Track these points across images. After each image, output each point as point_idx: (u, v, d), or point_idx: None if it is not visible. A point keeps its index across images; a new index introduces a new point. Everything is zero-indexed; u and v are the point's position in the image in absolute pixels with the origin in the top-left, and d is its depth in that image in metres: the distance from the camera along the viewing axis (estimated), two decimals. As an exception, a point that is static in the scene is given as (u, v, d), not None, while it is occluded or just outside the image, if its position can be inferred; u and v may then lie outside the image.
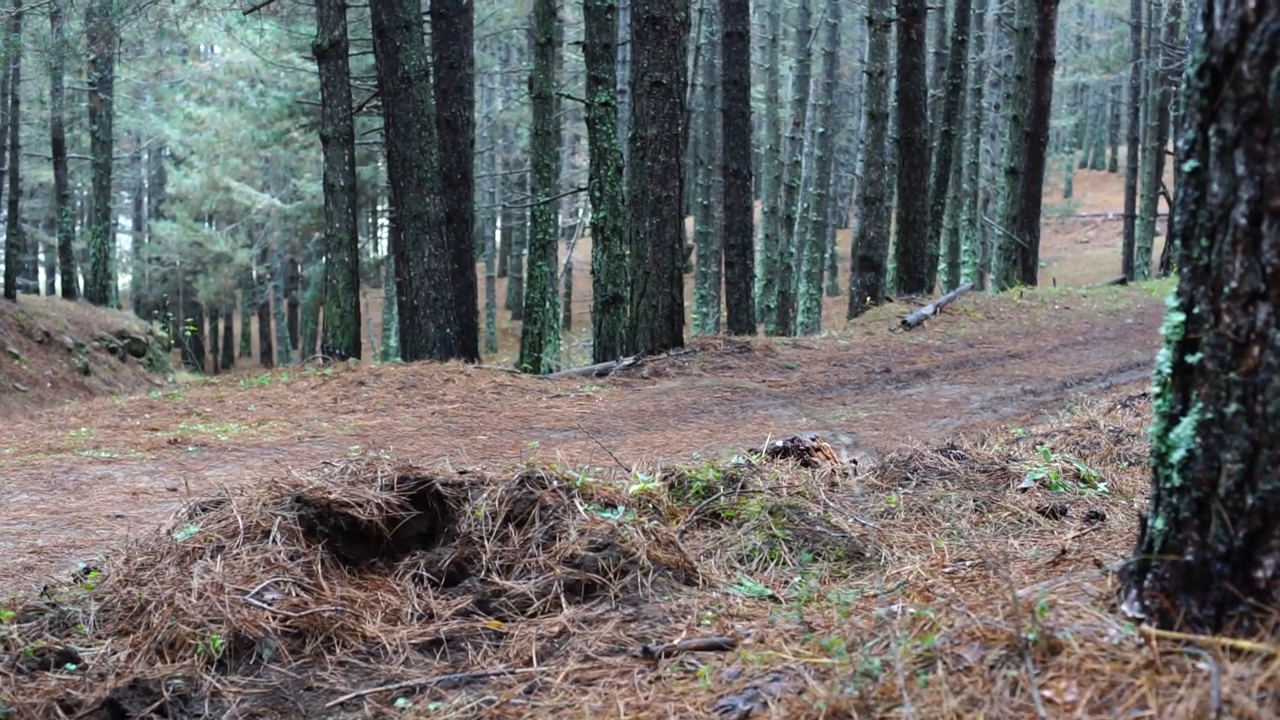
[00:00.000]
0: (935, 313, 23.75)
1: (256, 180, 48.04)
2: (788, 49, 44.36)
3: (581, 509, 4.87)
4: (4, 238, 33.95)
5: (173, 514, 4.95)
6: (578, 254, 50.03)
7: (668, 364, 18.41)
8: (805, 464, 6.69)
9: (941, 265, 39.92)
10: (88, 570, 4.75)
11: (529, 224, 29.02)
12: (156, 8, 30.37)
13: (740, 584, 4.61)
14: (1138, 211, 46.25)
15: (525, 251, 45.11)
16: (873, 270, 28.88)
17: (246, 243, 50.39)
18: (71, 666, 3.89)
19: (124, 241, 64.03)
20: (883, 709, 2.91)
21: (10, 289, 31.87)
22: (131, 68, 49.65)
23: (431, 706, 3.63)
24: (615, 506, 5.04)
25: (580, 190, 23.36)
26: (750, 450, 6.98)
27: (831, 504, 5.58)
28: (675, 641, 3.83)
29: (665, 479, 5.54)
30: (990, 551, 4.59)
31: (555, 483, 5.00)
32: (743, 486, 5.53)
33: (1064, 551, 4.49)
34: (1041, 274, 37.35)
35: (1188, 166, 2.94)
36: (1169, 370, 2.99)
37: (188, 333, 53.52)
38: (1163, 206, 45.62)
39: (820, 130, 41.96)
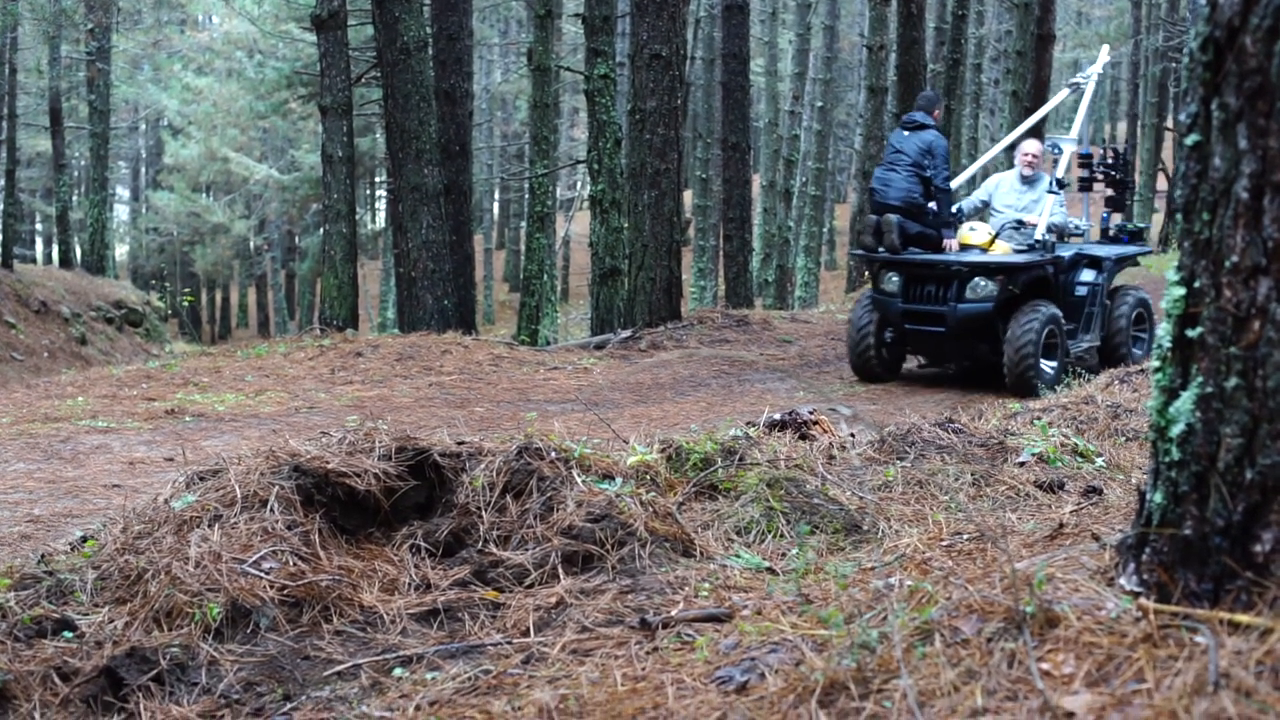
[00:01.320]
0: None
1: (254, 151, 47.85)
2: (787, 22, 44.15)
3: (579, 480, 4.87)
4: (1, 207, 33.90)
5: (170, 483, 4.94)
6: (576, 226, 49.93)
7: (665, 337, 18.41)
8: (803, 437, 6.69)
9: (940, 240, 39.79)
10: (85, 539, 4.75)
11: (527, 196, 28.91)
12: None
13: (738, 556, 4.62)
14: (1137, 187, 46.16)
15: (523, 224, 45.01)
16: (871, 245, 28.80)
17: (244, 213, 50.20)
18: (69, 634, 3.90)
19: (121, 212, 63.87)
20: (880, 681, 2.91)
21: (7, 258, 31.83)
22: (129, 37, 49.45)
23: (428, 676, 3.63)
24: (613, 478, 5.04)
25: (579, 163, 23.32)
26: (748, 423, 6.98)
27: (829, 477, 5.58)
28: (673, 613, 3.83)
29: (663, 451, 5.53)
30: (988, 525, 4.59)
31: (553, 454, 5.00)
32: (740, 459, 5.53)
33: (1062, 525, 4.49)
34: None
35: (1190, 140, 2.93)
36: (1169, 344, 2.98)
37: (185, 303, 53.48)
38: (1161, 183, 45.51)
39: (819, 104, 41.80)
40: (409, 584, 4.44)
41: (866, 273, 27.63)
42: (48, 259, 53.31)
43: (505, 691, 3.40)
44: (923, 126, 14.33)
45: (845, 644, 3.09)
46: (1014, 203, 14.67)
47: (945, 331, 13.83)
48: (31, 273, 33.28)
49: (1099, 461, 6.27)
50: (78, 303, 30.87)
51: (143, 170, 65.70)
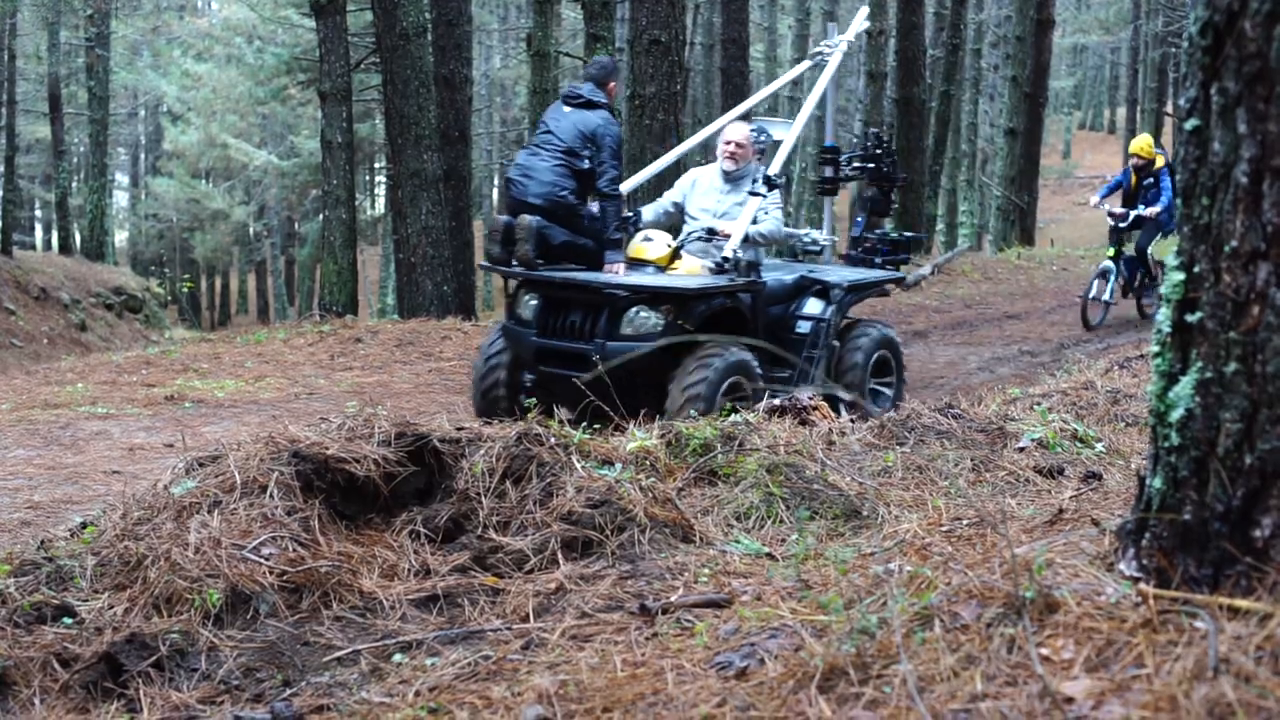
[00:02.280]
0: (933, 273, 23.72)
1: (254, 137, 47.83)
2: (787, 8, 44.21)
3: (579, 466, 4.87)
4: (0, 194, 33.87)
5: (169, 469, 4.94)
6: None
7: (665, 322, 18.34)
8: (803, 422, 6.69)
9: (939, 226, 39.86)
10: (84, 525, 4.75)
11: (527, 182, 28.84)
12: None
13: (737, 541, 4.62)
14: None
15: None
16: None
17: (244, 200, 50.16)
18: (68, 620, 3.90)
19: (121, 198, 63.80)
20: (880, 666, 2.92)
21: (7, 245, 31.78)
22: (129, 23, 49.39)
23: (428, 662, 3.63)
24: (613, 464, 5.04)
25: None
26: (747, 409, 6.98)
27: (829, 462, 5.59)
28: (672, 598, 3.84)
29: (663, 436, 5.54)
30: (988, 510, 4.60)
31: (553, 439, 5.00)
32: (740, 444, 5.53)
33: (1061, 511, 4.49)
34: (1039, 235, 37.24)
35: (1189, 125, 2.93)
36: (1169, 329, 2.98)
37: (185, 289, 53.50)
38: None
39: (819, 90, 41.78)
40: (408, 570, 4.44)
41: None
42: (47, 245, 53.28)
43: (505, 677, 3.40)
44: (591, 104, 10.33)
45: (845, 629, 3.09)
46: (712, 206, 10.93)
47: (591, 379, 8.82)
48: (31, 259, 33.28)
49: (1099, 447, 6.27)
50: (77, 289, 30.86)
51: (142, 156, 65.65)
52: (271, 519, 4.42)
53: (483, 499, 4.73)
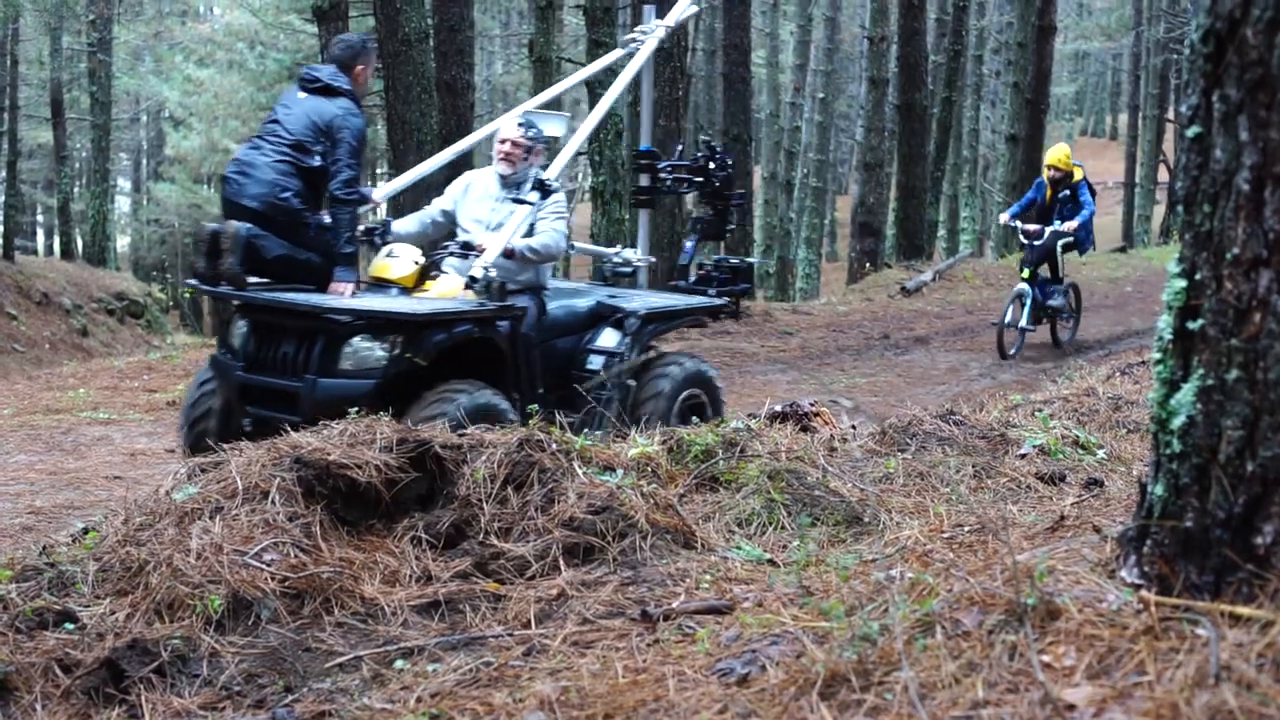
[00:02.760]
0: (934, 279, 23.73)
1: (256, 142, 47.83)
2: (789, 14, 44.18)
3: (580, 472, 4.87)
4: (2, 199, 33.89)
5: (171, 475, 4.95)
6: (577, 218, 49.91)
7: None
8: (804, 429, 6.69)
9: (941, 232, 39.84)
10: (86, 530, 4.75)
11: (528, 188, 28.83)
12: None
13: (739, 548, 4.62)
14: (1138, 179, 46.18)
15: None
16: (872, 236, 28.88)
17: (246, 205, 50.06)
18: (70, 626, 3.90)
19: (122, 203, 63.74)
20: (881, 673, 2.92)
21: (9, 250, 31.80)
22: (131, 29, 49.37)
23: (430, 668, 3.63)
24: (614, 470, 5.04)
25: (580, 154, 23.30)
26: (749, 415, 6.98)
27: (830, 469, 5.59)
28: (674, 605, 3.84)
29: (664, 443, 5.54)
30: (989, 517, 4.60)
31: (554, 445, 5.00)
32: (741, 451, 5.53)
33: (1063, 517, 4.49)
34: (1041, 241, 37.27)
35: (1191, 132, 2.93)
36: (1170, 336, 2.98)
37: (186, 295, 53.41)
38: (1163, 174, 45.48)
39: (821, 96, 41.81)
40: (410, 576, 4.44)
41: (868, 265, 27.46)
42: (49, 250, 53.23)
43: (506, 683, 3.40)
44: (331, 90, 8.48)
45: (846, 636, 3.09)
46: (485, 216, 9.05)
47: (301, 424, 6.33)
48: (33, 264, 33.31)
49: (1100, 454, 6.28)
50: (79, 294, 30.85)
51: (144, 162, 65.64)
52: (273, 525, 4.42)
53: (484, 505, 4.73)
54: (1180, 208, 2.99)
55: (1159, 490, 3.02)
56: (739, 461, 5.42)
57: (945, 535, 4.34)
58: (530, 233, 8.71)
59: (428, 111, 19.31)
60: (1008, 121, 31.70)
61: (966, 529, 4.39)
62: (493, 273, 8.11)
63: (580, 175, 50.22)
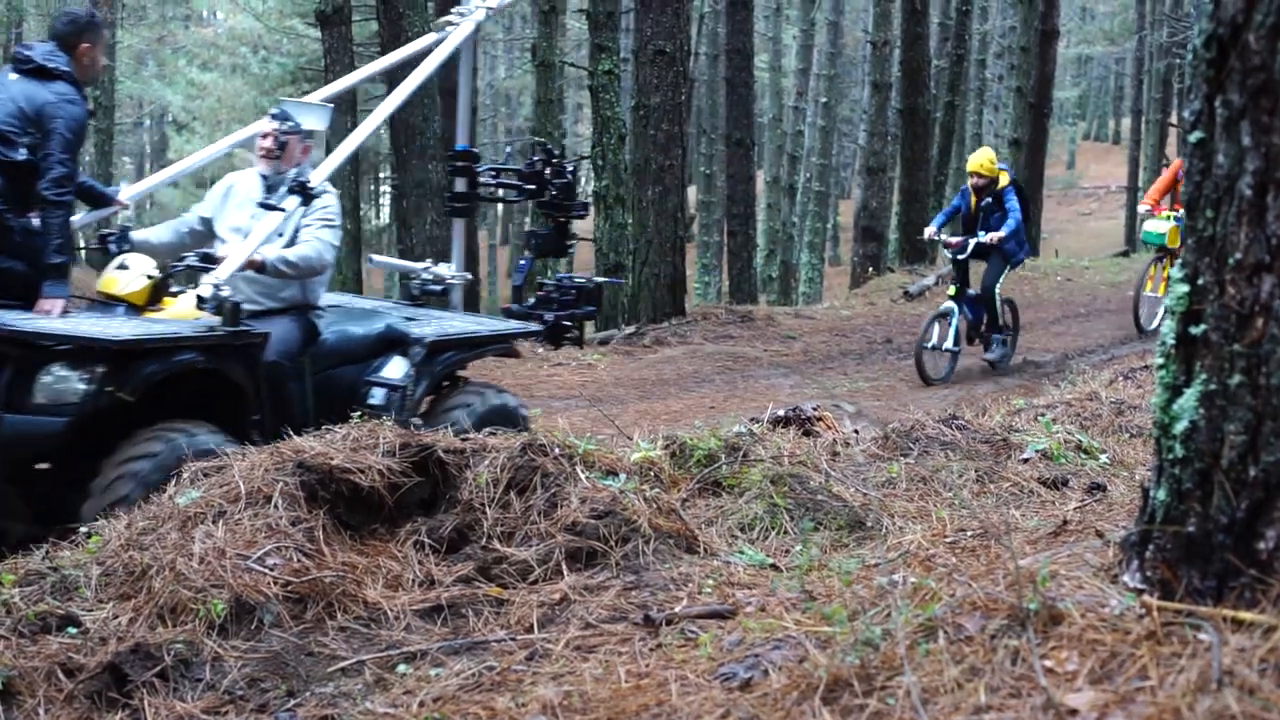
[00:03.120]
0: (937, 283, 23.68)
1: (259, 147, 47.86)
2: (791, 18, 44.19)
3: (583, 476, 4.87)
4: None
5: (174, 479, 4.95)
6: (580, 222, 49.97)
7: (670, 333, 18.39)
8: (807, 433, 6.70)
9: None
10: (89, 535, 4.75)
11: (531, 192, 28.88)
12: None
13: (741, 552, 4.62)
14: (1141, 184, 46.14)
15: (527, 219, 45.05)
16: (875, 241, 28.87)
17: (248, 209, 50.13)
18: (73, 630, 3.90)
19: (126, 207, 63.88)
20: (884, 678, 2.91)
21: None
22: (134, 33, 49.38)
23: (432, 672, 3.63)
24: (617, 474, 5.04)
25: (583, 158, 23.31)
26: (752, 419, 6.98)
27: (833, 473, 5.59)
28: (676, 609, 3.84)
29: (667, 447, 5.54)
30: (992, 521, 4.60)
31: (557, 450, 5.00)
32: (744, 455, 5.53)
33: (1065, 522, 4.49)
34: (1044, 245, 37.21)
35: (1193, 138, 2.93)
36: (1173, 341, 2.98)
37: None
38: (1165, 178, 45.45)
39: (823, 100, 41.77)
40: (413, 580, 4.44)
41: (871, 269, 27.40)
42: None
43: (509, 688, 3.40)
44: (46, 72, 7.12)
45: (849, 641, 3.09)
46: (246, 224, 7.67)
47: None
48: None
49: (1103, 458, 6.28)
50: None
51: (147, 166, 65.68)
52: (276, 529, 4.43)
53: (487, 509, 4.73)
54: (1183, 212, 3.00)
55: (1161, 495, 3.02)
56: (742, 466, 5.42)
57: (948, 540, 4.34)
58: (294, 242, 7.55)
59: (430, 116, 19.33)
60: (1010, 126, 31.63)
61: (969, 534, 4.39)
62: (225, 290, 6.87)
63: (584, 180, 50.27)
